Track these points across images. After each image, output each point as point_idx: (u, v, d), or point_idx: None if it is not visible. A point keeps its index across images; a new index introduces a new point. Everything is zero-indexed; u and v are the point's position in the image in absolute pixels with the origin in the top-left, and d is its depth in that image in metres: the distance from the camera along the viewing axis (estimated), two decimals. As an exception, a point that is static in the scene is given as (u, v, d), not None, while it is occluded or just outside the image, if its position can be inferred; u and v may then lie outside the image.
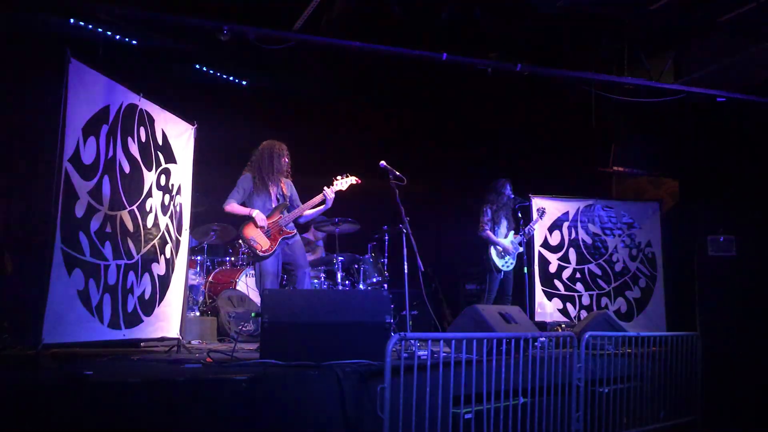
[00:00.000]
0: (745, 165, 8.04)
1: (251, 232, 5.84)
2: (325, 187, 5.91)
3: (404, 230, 5.73)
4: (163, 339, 5.60)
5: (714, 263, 8.11)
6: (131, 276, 5.09)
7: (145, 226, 5.31)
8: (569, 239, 8.35)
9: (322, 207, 5.98)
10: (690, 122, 8.45)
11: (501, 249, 7.49)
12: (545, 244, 8.27)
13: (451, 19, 7.05)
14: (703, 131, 8.41)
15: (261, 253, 5.80)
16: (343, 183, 5.96)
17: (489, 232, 7.48)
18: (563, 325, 7.60)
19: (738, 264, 8.02)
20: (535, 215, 7.89)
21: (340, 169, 6.15)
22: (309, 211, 6.04)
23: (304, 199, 6.11)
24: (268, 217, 5.88)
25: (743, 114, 7.78)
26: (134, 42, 7.63)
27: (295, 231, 5.99)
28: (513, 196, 7.62)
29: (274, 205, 5.96)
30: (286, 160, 6.03)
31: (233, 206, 5.90)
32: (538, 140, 9.39)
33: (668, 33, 7.44)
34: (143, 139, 5.34)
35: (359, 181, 5.97)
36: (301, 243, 6.13)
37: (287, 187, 6.07)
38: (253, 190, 5.95)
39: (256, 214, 5.82)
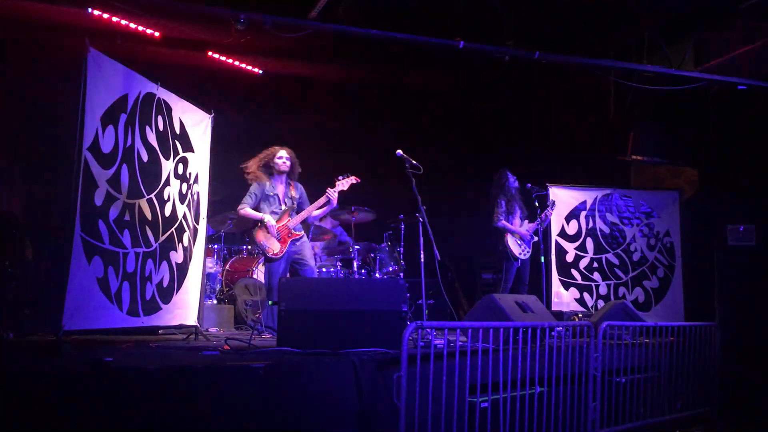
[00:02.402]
0: (766, 153, 7.92)
1: (262, 237, 6.03)
2: (329, 188, 6.06)
3: (420, 219, 5.73)
4: (180, 326, 5.66)
5: (733, 253, 8.01)
6: (149, 264, 5.14)
7: (163, 214, 5.35)
8: (587, 228, 8.29)
9: (327, 207, 6.13)
10: (710, 110, 8.33)
11: (518, 237, 7.47)
12: (562, 234, 8.22)
13: (468, 7, 7.00)
14: (723, 119, 8.29)
15: (272, 256, 5.99)
16: (344, 183, 6.11)
17: (504, 222, 7.46)
18: (580, 315, 7.55)
19: (758, 254, 7.91)
20: (548, 206, 7.83)
21: (353, 158, 6.16)
22: (316, 212, 6.16)
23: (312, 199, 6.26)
24: (277, 221, 6.04)
25: (765, 102, 7.66)
26: (151, 31, 7.65)
27: (303, 233, 6.19)
28: (526, 186, 7.57)
29: (282, 208, 6.13)
30: (278, 161, 6.15)
31: (246, 211, 6.12)
32: (555, 129, 9.31)
33: (689, 19, 7.33)
34: (161, 128, 5.37)
35: (358, 180, 6.12)
36: (309, 243, 6.37)
37: (296, 189, 6.26)
38: (264, 192, 6.15)
39: (267, 219, 6.02)
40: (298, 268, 6.14)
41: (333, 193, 6.03)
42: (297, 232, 6.09)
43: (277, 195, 6.17)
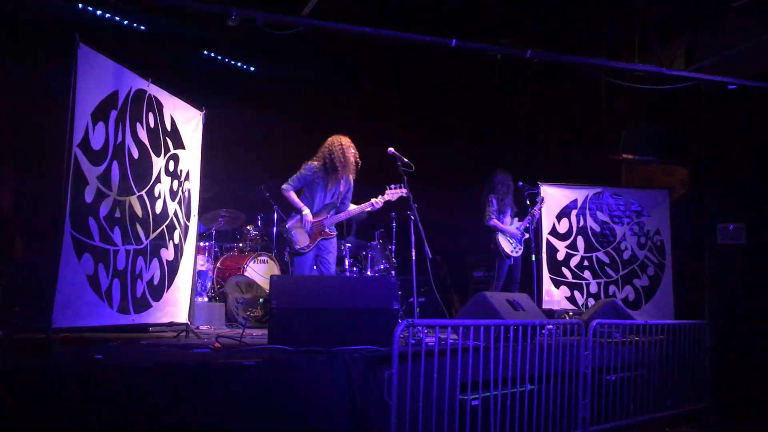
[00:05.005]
0: (755, 153, 7.97)
1: (294, 227, 5.87)
2: (374, 199, 5.92)
3: (412, 217, 5.74)
4: (171, 324, 5.64)
5: (723, 251, 8.06)
6: (140, 261, 5.12)
7: (153, 211, 5.33)
8: (577, 227, 8.31)
9: (368, 211, 6.00)
10: (701, 109, 8.38)
11: (509, 235, 7.49)
12: (553, 232, 8.24)
13: (461, 5, 7.00)
14: (714, 119, 8.33)
15: (298, 248, 5.85)
16: (393, 194, 5.93)
17: (496, 221, 7.47)
18: (571, 313, 7.58)
19: (747, 252, 7.97)
20: (538, 203, 7.85)
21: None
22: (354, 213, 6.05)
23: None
24: (316, 215, 5.90)
25: (755, 101, 7.70)
26: (142, 27, 7.63)
27: (335, 233, 6.01)
28: (518, 184, 7.59)
29: (327, 202, 5.96)
30: (353, 152, 5.98)
31: (291, 194, 5.94)
32: (547, 127, 9.34)
33: (680, 19, 7.36)
34: (152, 124, 5.35)
35: (410, 195, 5.85)
36: (336, 245, 6.16)
37: (345, 185, 6.04)
38: (314, 181, 5.94)
39: (306, 214, 5.84)
40: (320, 267, 5.99)
41: (378, 203, 5.91)
42: (330, 232, 5.93)
43: (326, 187, 5.96)
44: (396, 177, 5.80)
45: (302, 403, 3.78)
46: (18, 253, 6.25)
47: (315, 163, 5.97)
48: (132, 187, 5.05)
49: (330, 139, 6.03)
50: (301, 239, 5.84)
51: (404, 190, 5.89)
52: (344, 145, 5.96)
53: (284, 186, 5.96)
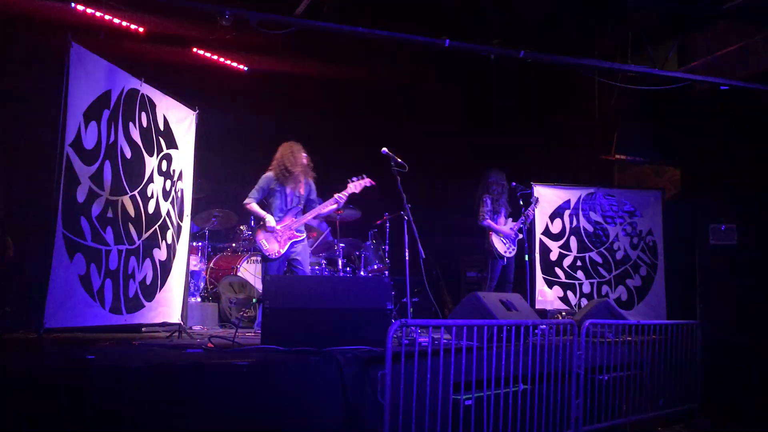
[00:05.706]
0: (747, 154, 8.01)
1: (262, 235, 5.93)
2: (337, 194, 5.97)
3: (405, 217, 5.73)
4: (164, 324, 5.63)
5: (715, 252, 8.10)
6: (132, 261, 5.10)
7: (146, 211, 5.31)
8: (570, 227, 8.33)
9: (333, 208, 6.07)
10: (693, 110, 8.41)
11: (503, 235, 7.50)
12: (546, 232, 8.25)
13: (455, 5, 7.01)
14: (706, 119, 8.37)
15: (267, 255, 5.89)
16: (356, 186, 6.00)
17: (489, 221, 7.47)
18: (564, 313, 7.59)
19: (739, 252, 8.01)
20: (532, 204, 7.87)
21: (339, 156, 6.13)
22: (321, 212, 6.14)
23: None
24: (280, 220, 5.95)
25: (747, 102, 7.74)
26: (135, 26, 7.60)
27: (304, 235, 6.09)
28: (511, 184, 7.59)
29: (289, 206, 6.01)
30: (303, 155, 6.07)
31: (252, 206, 6.00)
32: (540, 128, 9.35)
33: (673, 20, 7.39)
34: (145, 124, 5.33)
35: (373, 183, 5.98)
36: (307, 246, 6.26)
37: (305, 187, 6.10)
38: (273, 189, 6.00)
39: (269, 221, 5.91)
40: (293, 269, 6.05)
41: (342, 198, 5.97)
42: (299, 234, 5.98)
43: (285, 191, 6.00)
44: (391, 175, 5.80)
45: (295, 404, 3.77)
46: (10, 253, 6.22)
47: (270, 172, 6.04)
48: (124, 187, 5.03)
49: (281, 146, 6.11)
50: (271, 246, 5.89)
51: (368, 181, 6.00)
52: (294, 149, 6.04)
53: (245, 200, 6.02)
